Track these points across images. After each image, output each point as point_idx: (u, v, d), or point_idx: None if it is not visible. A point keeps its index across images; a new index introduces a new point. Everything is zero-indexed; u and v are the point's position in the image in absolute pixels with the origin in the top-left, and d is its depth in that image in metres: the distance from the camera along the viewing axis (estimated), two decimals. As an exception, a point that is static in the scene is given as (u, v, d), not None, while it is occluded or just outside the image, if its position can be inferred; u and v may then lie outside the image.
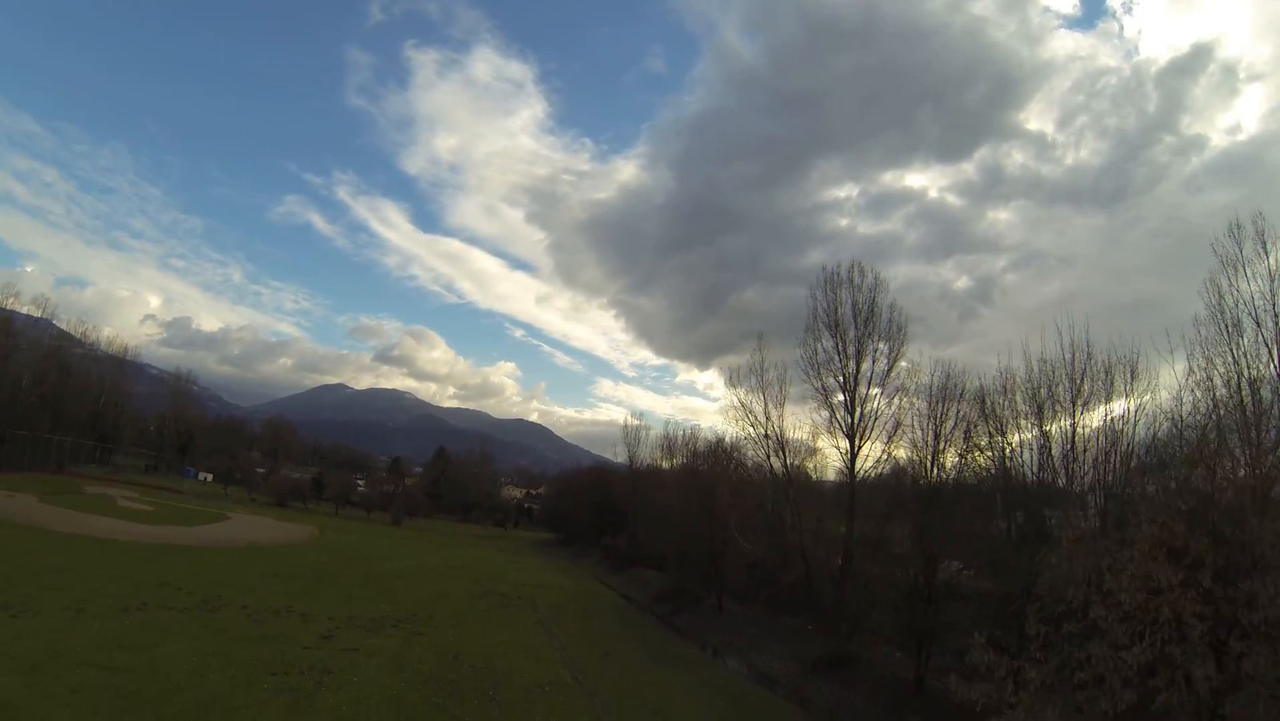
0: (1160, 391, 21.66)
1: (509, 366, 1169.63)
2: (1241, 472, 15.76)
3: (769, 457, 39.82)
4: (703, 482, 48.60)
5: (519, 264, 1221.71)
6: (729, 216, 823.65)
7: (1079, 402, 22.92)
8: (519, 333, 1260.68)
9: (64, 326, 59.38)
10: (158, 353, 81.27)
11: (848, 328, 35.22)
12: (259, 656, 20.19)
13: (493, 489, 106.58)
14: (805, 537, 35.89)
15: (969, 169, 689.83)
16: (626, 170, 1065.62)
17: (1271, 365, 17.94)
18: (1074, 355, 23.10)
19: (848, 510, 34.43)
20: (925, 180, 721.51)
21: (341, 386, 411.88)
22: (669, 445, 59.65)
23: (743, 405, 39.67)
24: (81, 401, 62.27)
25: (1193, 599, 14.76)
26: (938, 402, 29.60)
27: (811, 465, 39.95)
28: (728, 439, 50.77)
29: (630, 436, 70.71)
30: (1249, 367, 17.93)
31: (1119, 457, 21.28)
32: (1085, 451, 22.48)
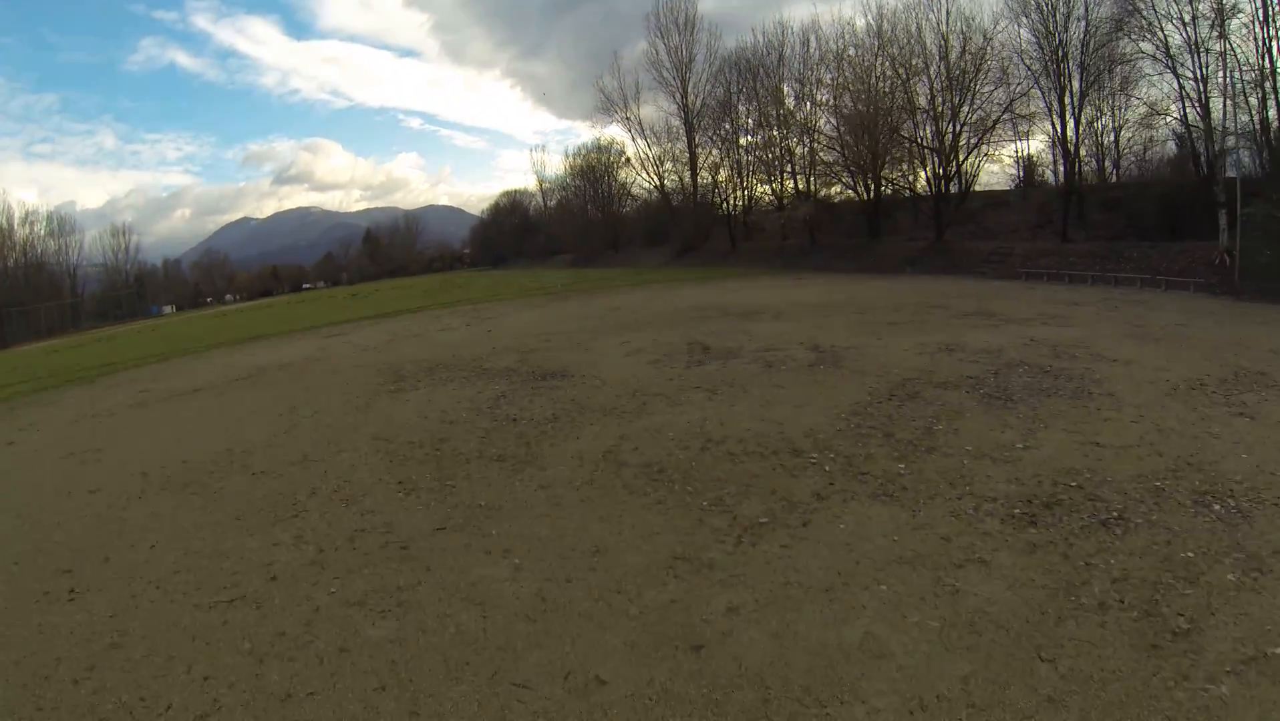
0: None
1: (411, 157, 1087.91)
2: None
3: (630, 133, 52.16)
4: (596, 173, 61.73)
5: (405, 52, 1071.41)
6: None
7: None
8: (415, 122, 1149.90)
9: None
10: (49, 247, 77.35)
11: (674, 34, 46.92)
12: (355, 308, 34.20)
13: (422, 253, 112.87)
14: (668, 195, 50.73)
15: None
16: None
17: None
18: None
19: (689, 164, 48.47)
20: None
21: (246, 220, 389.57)
22: (571, 166, 68.93)
23: (605, 95, 50.80)
24: (43, 275, 68.37)
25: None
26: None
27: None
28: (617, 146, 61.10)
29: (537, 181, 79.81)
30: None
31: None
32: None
